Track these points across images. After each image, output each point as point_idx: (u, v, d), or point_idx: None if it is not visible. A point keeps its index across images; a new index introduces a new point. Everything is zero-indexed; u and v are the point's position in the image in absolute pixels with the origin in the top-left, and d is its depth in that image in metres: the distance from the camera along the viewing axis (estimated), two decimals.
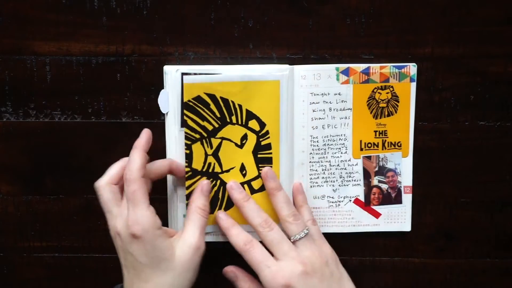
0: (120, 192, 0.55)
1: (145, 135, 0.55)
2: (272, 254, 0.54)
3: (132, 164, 0.53)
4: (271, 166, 0.59)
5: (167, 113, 0.59)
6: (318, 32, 0.59)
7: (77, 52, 0.59)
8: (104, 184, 0.54)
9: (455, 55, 0.59)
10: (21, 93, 0.60)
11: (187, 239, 0.53)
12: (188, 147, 0.58)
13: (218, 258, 0.63)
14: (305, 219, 0.57)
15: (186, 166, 0.58)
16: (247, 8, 0.58)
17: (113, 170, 0.55)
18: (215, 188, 0.59)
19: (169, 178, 0.60)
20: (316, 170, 0.61)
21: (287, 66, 0.58)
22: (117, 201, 0.54)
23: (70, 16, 0.58)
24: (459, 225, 0.63)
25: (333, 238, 0.62)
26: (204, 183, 0.57)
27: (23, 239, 0.63)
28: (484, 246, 0.63)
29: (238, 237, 0.55)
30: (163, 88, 0.59)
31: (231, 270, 0.58)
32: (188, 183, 0.58)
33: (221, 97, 0.57)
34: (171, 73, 0.58)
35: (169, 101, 0.58)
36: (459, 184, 0.62)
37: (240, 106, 0.57)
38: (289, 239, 0.55)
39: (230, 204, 0.59)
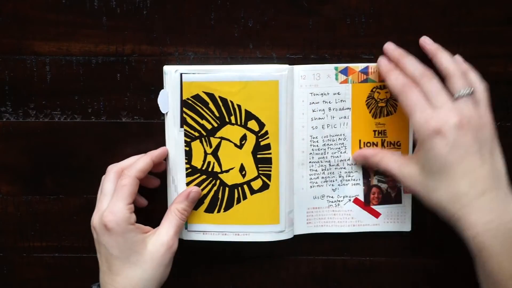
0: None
1: (161, 150, 0.58)
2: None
3: (136, 164, 0.56)
4: (271, 167, 0.59)
5: (166, 113, 0.59)
6: (318, 32, 0.59)
7: (77, 52, 0.59)
8: (116, 171, 0.57)
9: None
10: (21, 93, 0.60)
11: (161, 236, 0.55)
12: (188, 144, 0.58)
13: (218, 258, 0.63)
14: (473, 80, 0.54)
15: (186, 163, 0.59)
16: (247, 8, 0.58)
17: (131, 161, 0.58)
18: (215, 188, 0.59)
19: (169, 178, 0.60)
20: (316, 170, 0.61)
21: (286, 66, 0.58)
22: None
23: (70, 16, 0.58)
24: None
25: (333, 238, 0.62)
26: (193, 191, 0.58)
27: (23, 239, 0.63)
28: None
29: (397, 80, 0.54)
30: (163, 88, 0.59)
31: (358, 155, 0.59)
32: (188, 179, 0.59)
33: (219, 97, 0.57)
34: (171, 73, 0.58)
35: (168, 101, 0.58)
36: None
37: (239, 106, 0.57)
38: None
39: (230, 204, 0.59)
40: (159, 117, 0.60)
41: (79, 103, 0.60)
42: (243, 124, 0.58)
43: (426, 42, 0.57)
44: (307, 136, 0.60)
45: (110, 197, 0.55)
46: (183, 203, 0.57)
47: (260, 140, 0.58)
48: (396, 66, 0.56)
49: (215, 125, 0.58)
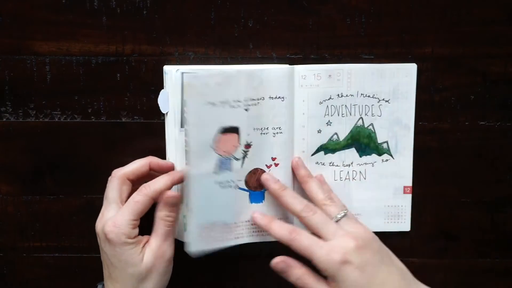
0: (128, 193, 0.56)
1: (183, 174, 0.55)
2: (319, 237, 0.53)
3: (156, 184, 0.54)
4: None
5: (167, 113, 0.59)
6: (318, 32, 0.59)
7: (77, 52, 0.59)
8: (119, 177, 0.56)
9: (455, 55, 0.59)
10: (21, 93, 0.60)
11: (151, 247, 0.54)
12: None
13: (218, 258, 0.63)
14: (338, 202, 0.57)
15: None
16: (247, 8, 0.58)
17: (137, 165, 0.57)
18: None
19: None
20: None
21: (286, 66, 0.58)
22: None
23: (70, 16, 0.58)
24: (459, 225, 0.63)
25: None
26: (169, 196, 0.54)
27: (23, 239, 0.63)
28: (484, 246, 0.63)
29: (281, 229, 0.55)
30: (163, 88, 0.59)
31: (281, 261, 0.55)
32: None
33: None
34: (171, 73, 0.57)
35: (169, 101, 0.58)
36: (459, 184, 0.62)
37: None
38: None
39: None
40: (159, 117, 0.60)
41: (79, 103, 0.60)
42: None
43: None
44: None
45: (115, 204, 0.54)
46: (164, 210, 0.55)
47: None
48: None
49: None
